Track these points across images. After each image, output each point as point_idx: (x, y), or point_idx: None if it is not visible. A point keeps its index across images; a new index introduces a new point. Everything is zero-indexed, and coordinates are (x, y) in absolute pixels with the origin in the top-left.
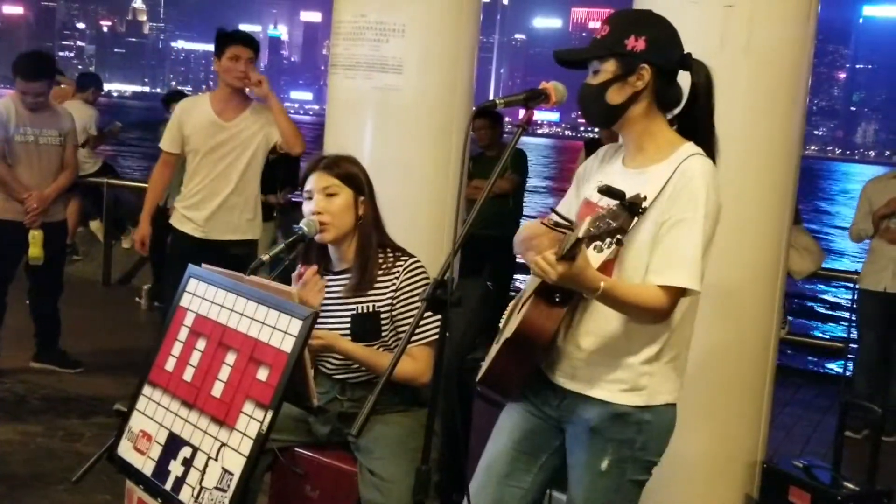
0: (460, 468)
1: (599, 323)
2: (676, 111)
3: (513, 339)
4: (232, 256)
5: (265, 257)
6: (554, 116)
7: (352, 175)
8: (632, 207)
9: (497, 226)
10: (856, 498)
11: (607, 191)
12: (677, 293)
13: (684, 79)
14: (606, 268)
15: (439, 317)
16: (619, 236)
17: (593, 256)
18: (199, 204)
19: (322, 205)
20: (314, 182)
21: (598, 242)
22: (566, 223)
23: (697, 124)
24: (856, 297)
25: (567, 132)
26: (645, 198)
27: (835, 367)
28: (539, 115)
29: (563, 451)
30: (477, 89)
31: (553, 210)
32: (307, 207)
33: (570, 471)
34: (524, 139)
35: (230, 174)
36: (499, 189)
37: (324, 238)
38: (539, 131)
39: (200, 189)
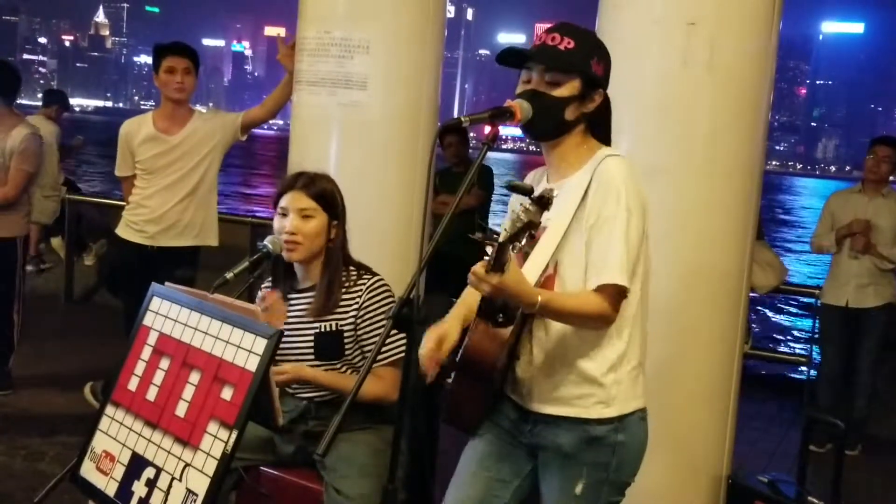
0: (427, 487)
1: (553, 341)
2: None
3: (461, 366)
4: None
5: (229, 275)
6: (518, 132)
7: (329, 197)
8: (540, 200)
9: (463, 242)
10: None
11: (514, 188)
12: (616, 292)
13: None
14: (547, 282)
15: (405, 335)
16: (531, 231)
17: (526, 267)
18: (149, 213)
19: (297, 225)
20: (291, 201)
21: (517, 242)
22: (493, 236)
23: (607, 135)
24: (817, 311)
25: (531, 147)
26: (553, 191)
27: (799, 379)
28: (504, 131)
29: (536, 475)
30: (442, 104)
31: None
32: (279, 224)
33: (543, 497)
34: (489, 154)
35: (180, 186)
36: (465, 205)
37: (291, 257)
38: (503, 146)
39: (151, 200)
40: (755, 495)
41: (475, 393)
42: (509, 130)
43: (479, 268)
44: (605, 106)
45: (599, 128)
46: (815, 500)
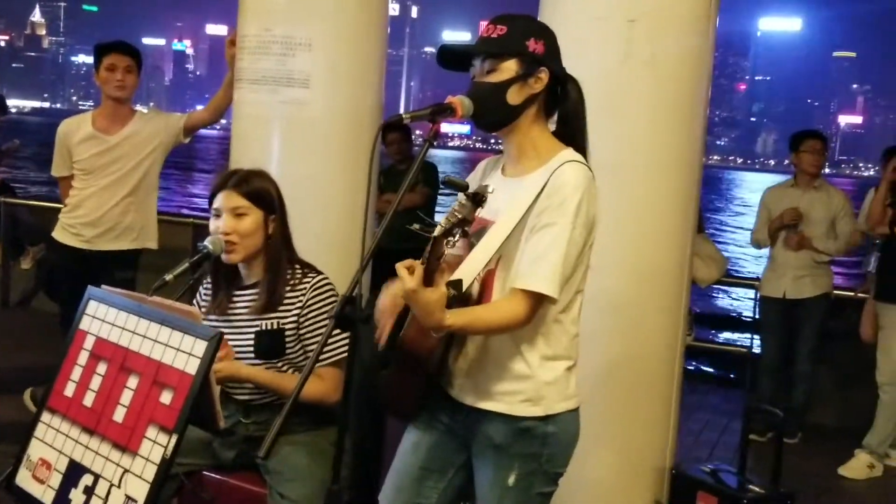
0: (372, 487)
1: (486, 337)
2: (553, 119)
3: (396, 358)
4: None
5: (168, 277)
6: (465, 129)
7: (263, 193)
8: (475, 197)
9: (408, 240)
10: (760, 500)
11: (449, 183)
12: (537, 298)
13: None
14: (488, 277)
15: (348, 334)
16: (465, 227)
17: (469, 261)
18: (85, 216)
19: (231, 225)
20: (223, 201)
21: (451, 238)
22: (429, 228)
23: (575, 135)
24: (757, 303)
25: (478, 144)
26: (489, 188)
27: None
28: (450, 128)
29: (471, 465)
30: (387, 102)
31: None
32: (214, 225)
33: (476, 487)
34: (435, 152)
35: (119, 187)
36: (410, 203)
37: (231, 259)
38: (450, 144)
39: (88, 201)
40: (698, 485)
41: (411, 382)
42: (456, 128)
43: (401, 267)
44: (569, 94)
45: (568, 123)
46: (755, 488)
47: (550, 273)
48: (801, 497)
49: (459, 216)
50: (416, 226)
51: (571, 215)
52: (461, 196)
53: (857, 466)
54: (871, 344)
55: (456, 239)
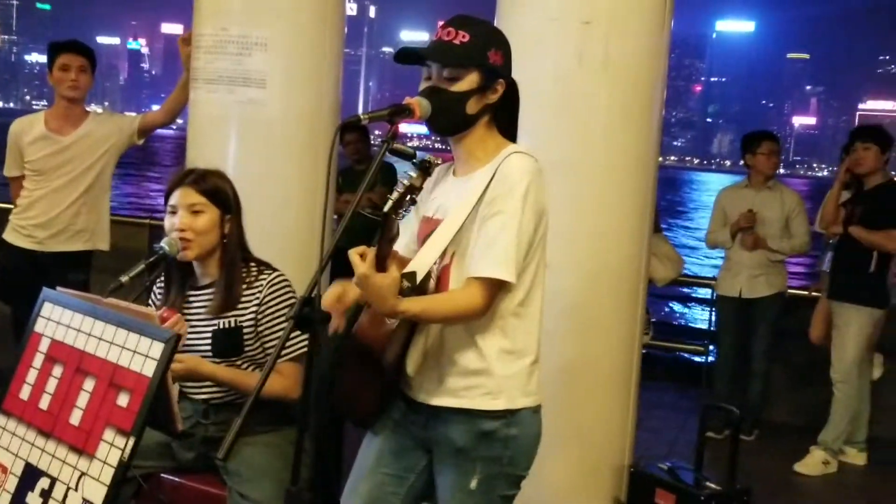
0: (333, 488)
1: (441, 333)
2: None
3: (351, 353)
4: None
5: (124, 278)
6: (424, 129)
7: (219, 192)
8: (422, 164)
9: (368, 240)
10: (717, 497)
11: (396, 151)
12: (492, 285)
13: None
14: (443, 272)
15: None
16: (412, 195)
17: (421, 255)
18: (37, 217)
19: (186, 222)
20: (180, 197)
21: (401, 210)
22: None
23: (511, 130)
24: (714, 302)
25: (437, 144)
26: (438, 160)
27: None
28: (409, 128)
29: (431, 470)
30: (345, 102)
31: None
32: (170, 222)
33: (438, 491)
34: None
35: (71, 188)
36: (369, 203)
37: (185, 256)
38: (409, 144)
39: (40, 203)
40: (656, 482)
41: (366, 383)
42: (415, 128)
43: (354, 253)
44: (512, 95)
45: (504, 118)
46: (711, 485)
47: (503, 258)
48: (757, 493)
49: (407, 183)
50: (368, 210)
51: (520, 201)
52: (409, 169)
53: (812, 463)
54: (820, 345)
55: (406, 210)
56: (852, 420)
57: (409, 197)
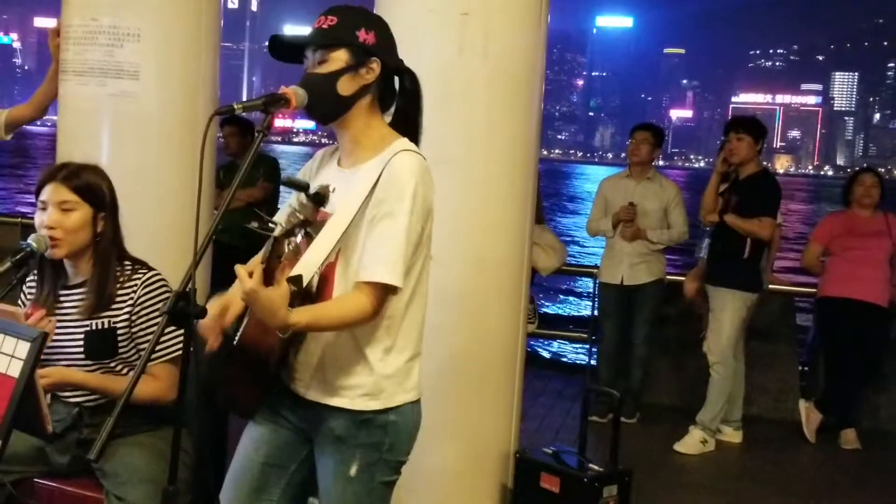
0: (213, 487)
1: (325, 332)
2: (391, 111)
3: (238, 354)
4: None
5: None
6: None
7: (93, 189)
8: (316, 197)
9: (251, 237)
10: (600, 478)
11: (290, 183)
12: (382, 290)
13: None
14: (328, 270)
15: (182, 331)
16: (307, 229)
17: (308, 254)
18: None
19: (56, 219)
20: (50, 193)
21: (292, 238)
22: (269, 226)
23: (409, 124)
24: (595, 289)
25: (325, 140)
26: (331, 188)
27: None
28: (296, 124)
29: (313, 459)
30: (228, 97)
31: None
32: (39, 219)
33: (319, 480)
34: (281, 148)
35: None
36: (250, 198)
37: (55, 254)
38: (296, 139)
39: None
40: (541, 467)
41: (250, 378)
42: (301, 123)
43: (241, 269)
44: (409, 89)
45: (403, 115)
46: (594, 467)
47: (392, 263)
48: (638, 473)
49: (301, 217)
50: (255, 224)
51: (408, 204)
52: (301, 196)
53: (692, 442)
54: (693, 301)
55: (297, 240)
56: (728, 400)
57: (303, 229)
